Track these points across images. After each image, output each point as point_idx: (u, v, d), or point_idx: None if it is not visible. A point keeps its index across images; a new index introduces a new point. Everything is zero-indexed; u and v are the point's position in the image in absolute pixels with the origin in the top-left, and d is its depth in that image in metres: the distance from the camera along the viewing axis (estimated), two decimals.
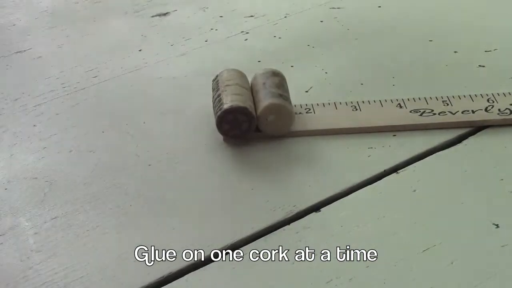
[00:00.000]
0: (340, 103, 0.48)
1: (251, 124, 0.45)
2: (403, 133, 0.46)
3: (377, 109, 0.48)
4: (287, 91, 0.47)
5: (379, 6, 0.60)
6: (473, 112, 0.47)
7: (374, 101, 0.48)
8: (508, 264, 0.38)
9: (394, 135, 0.46)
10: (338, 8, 0.60)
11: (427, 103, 0.48)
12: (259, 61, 0.54)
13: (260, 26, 0.58)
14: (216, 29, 0.58)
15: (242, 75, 0.48)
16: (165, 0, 0.62)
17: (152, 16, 0.60)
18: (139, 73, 0.53)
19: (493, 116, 0.47)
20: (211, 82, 0.48)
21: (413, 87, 0.50)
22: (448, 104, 0.48)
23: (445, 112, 0.47)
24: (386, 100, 0.48)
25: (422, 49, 0.55)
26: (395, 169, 0.44)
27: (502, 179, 0.43)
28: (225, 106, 0.45)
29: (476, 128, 0.47)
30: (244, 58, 0.54)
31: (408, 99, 0.48)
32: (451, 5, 0.60)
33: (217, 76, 0.48)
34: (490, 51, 0.54)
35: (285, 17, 0.59)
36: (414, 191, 0.43)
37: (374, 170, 0.44)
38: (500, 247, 0.39)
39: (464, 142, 0.46)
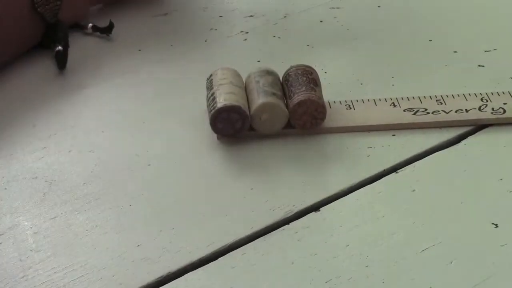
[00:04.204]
0: (334, 101, 0.48)
1: (245, 123, 0.45)
2: (402, 133, 0.46)
3: (371, 108, 0.48)
4: (281, 90, 0.47)
5: (379, 6, 0.60)
6: (466, 111, 0.47)
7: (368, 100, 0.48)
8: (507, 264, 0.38)
9: (394, 135, 0.46)
10: (337, 8, 0.60)
11: (421, 102, 0.48)
12: (258, 61, 0.54)
13: (260, 26, 0.58)
14: (216, 29, 0.58)
15: (236, 74, 0.48)
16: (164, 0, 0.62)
17: (152, 16, 0.60)
18: (138, 73, 0.53)
19: (487, 115, 0.47)
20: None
21: (413, 87, 0.50)
22: (442, 103, 0.48)
23: (438, 111, 0.47)
24: (380, 99, 0.48)
25: (422, 49, 0.55)
26: (394, 169, 0.44)
27: (501, 179, 0.43)
28: (219, 105, 0.45)
29: (476, 127, 0.47)
30: (244, 58, 0.54)
31: (402, 98, 0.48)
32: (451, 5, 0.60)
33: (211, 75, 0.48)
34: (490, 51, 0.54)
35: (285, 17, 0.59)
36: (414, 191, 0.43)
37: (374, 169, 0.44)
38: (499, 247, 0.39)
39: (464, 141, 0.46)
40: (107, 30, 0.56)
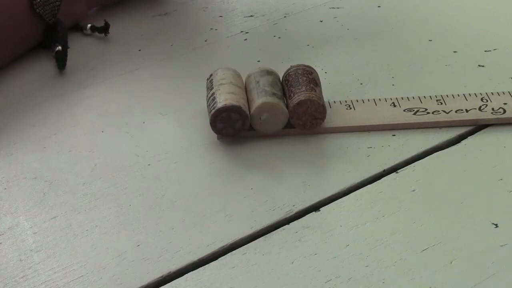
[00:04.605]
0: (334, 101, 0.48)
1: (245, 123, 0.45)
2: (402, 133, 0.46)
3: (372, 108, 0.48)
4: (280, 89, 0.47)
5: (379, 6, 0.60)
6: (466, 111, 0.47)
7: (368, 100, 0.48)
8: (507, 264, 0.38)
9: (394, 135, 0.46)
10: (337, 8, 0.60)
11: (421, 102, 0.48)
12: (258, 61, 0.54)
13: (260, 26, 0.58)
14: (216, 29, 0.58)
15: (236, 74, 0.48)
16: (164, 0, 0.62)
17: (152, 16, 0.60)
18: (138, 73, 0.53)
19: (487, 115, 0.47)
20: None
21: (413, 87, 0.50)
22: (442, 103, 0.48)
23: (438, 111, 0.47)
24: (380, 99, 0.48)
25: (422, 49, 0.55)
26: (394, 169, 0.44)
27: (501, 179, 0.43)
28: (219, 105, 0.45)
29: (476, 128, 0.47)
30: (244, 58, 0.54)
31: (402, 98, 0.48)
32: (451, 5, 0.60)
33: (211, 75, 0.48)
34: (490, 51, 0.54)
35: (285, 17, 0.59)
36: (414, 191, 0.43)
37: (374, 170, 0.44)
38: (499, 247, 0.39)
39: (464, 142, 0.46)
40: (104, 30, 0.56)
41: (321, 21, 0.59)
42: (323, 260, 0.39)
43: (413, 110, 0.47)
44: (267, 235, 0.40)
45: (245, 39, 0.57)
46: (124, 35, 0.57)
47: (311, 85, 0.46)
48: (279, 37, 0.57)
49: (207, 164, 0.45)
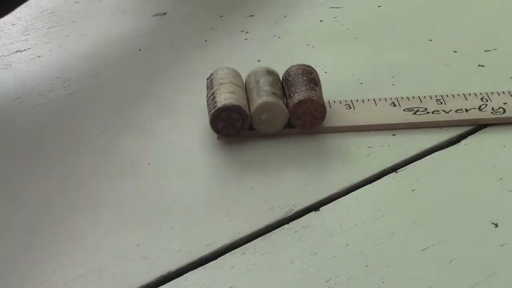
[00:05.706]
0: (334, 101, 0.48)
1: (245, 123, 0.45)
2: (402, 132, 0.46)
3: (371, 107, 0.48)
4: (280, 89, 0.47)
5: (379, 6, 0.60)
6: (466, 111, 0.47)
7: (368, 100, 0.48)
8: (507, 264, 0.38)
9: (394, 135, 0.46)
10: (337, 7, 0.60)
11: (421, 102, 0.48)
12: (259, 61, 0.54)
13: (260, 26, 0.58)
14: (216, 29, 0.58)
15: (236, 74, 0.48)
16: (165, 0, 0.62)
17: (152, 16, 0.60)
18: (138, 72, 0.53)
19: (487, 115, 0.47)
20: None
21: (413, 87, 0.50)
22: (442, 103, 0.48)
23: (438, 111, 0.47)
24: (380, 99, 0.48)
25: (422, 49, 0.55)
26: (394, 169, 0.44)
27: (501, 179, 0.43)
28: (219, 105, 0.45)
29: (476, 127, 0.47)
30: (244, 58, 0.54)
31: (402, 98, 0.48)
32: (451, 5, 0.60)
33: (211, 74, 0.48)
34: (490, 51, 0.54)
35: (285, 17, 0.59)
36: (413, 190, 0.43)
37: (373, 169, 0.44)
38: (499, 247, 0.39)
39: (464, 141, 0.46)
40: None
41: (321, 21, 0.59)
42: (323, 260, 0.39)
43: (413, 110, 0.47)
44: (266, 234, 0.40)
45: (245, 39, 0.57)
46: (124, 34, 0.57)
47: (311, 85, 0.46)
48: (279, 37, 0.57)
49: (207, 164, 0.45)
